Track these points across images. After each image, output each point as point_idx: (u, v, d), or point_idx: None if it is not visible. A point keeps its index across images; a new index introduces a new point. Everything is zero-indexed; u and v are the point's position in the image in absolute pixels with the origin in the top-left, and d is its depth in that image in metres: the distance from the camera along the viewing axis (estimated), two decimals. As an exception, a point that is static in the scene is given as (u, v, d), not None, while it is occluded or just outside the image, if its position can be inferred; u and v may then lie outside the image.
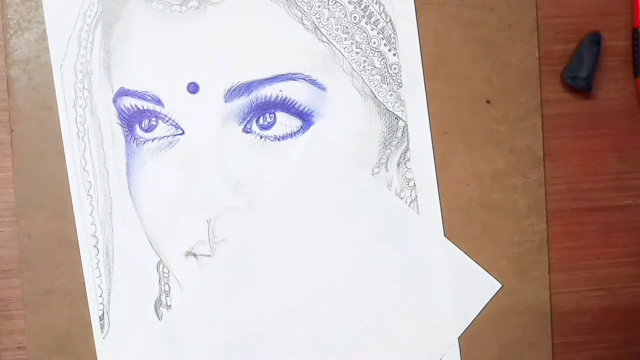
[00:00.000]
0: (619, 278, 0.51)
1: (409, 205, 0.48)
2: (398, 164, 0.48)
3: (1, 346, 0.48)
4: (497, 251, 0.49)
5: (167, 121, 0.48)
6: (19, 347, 0.49)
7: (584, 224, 0.50)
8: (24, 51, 0.47)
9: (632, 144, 0.50)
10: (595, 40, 0.49)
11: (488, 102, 0.49)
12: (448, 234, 0.49)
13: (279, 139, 0.48)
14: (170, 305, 0.49)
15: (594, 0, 0.50)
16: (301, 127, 0.48)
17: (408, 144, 0.48)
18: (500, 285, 0.49)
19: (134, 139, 0.48)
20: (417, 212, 0.48)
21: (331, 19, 0.47)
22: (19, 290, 0.48)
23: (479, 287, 0.49)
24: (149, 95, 0.47)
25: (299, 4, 0.47)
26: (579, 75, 0.48)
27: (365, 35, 0.48)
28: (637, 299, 0.51)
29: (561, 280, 0.50)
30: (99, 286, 0.48)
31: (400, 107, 0.48)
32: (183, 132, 0.48)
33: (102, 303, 0.48)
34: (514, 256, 0.49)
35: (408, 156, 0.48)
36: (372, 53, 0.48)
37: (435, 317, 0.49)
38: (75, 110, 0.48)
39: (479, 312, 0.49)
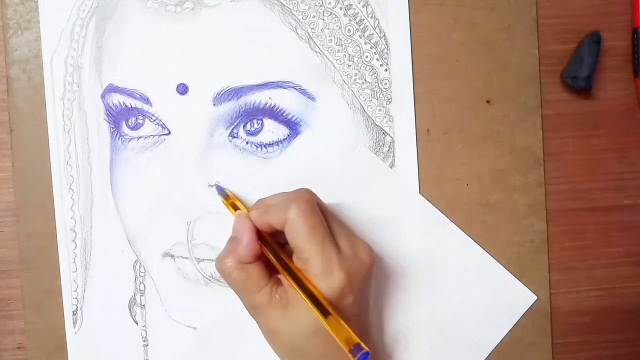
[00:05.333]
0: (619, 278, 0.51)
1: None
2: None
3: (1, 346, 0.48)
4: (497, 251, 0.49)
5: (154, 121, 0.47)
6: (19, 347, 0.48)
7: (584, 224, 0.50)
8: (23, 51, 0.47)
9: (632, 144, 0.50)
10: (595, 40, 0.49)
11: (488, 102, 0.49)
12: (448, 234, 0.49)
13: (265, 146, 0.47)
14: (144, 305, 0.48)
15: (594, 0, 0.50)
16: (288, 135, 0.47)
17: (394, 160, 0.48)
18: (536, 298, 0.49)
19: (120, 136, 0.48)
20: None
21: (325, 30, 0.47)
22: (19, 290, 0.48)
23: (514, 298, 0.49)
24: (137, 94, 0.47)
25: (294, 12, 0.47)
26: (579, 75, 0.48)
27: (358, 48, 0.48)
28: (637, 299, 0.51)
29: (561, 280, 0.50)
30: (74, 281, 0.48)
31: (388, 123, 0.48)
32: (169, 133, 0.48)
33: (76, 298, 0.48)
34: (514, 256, 0.49)
35: (393, 172, 0.48)
36: (363, 67, 0.48)
37: (469, 329, 0.49)
38: (63, 103, 0.47)
39: (514, 324, 0.49)
